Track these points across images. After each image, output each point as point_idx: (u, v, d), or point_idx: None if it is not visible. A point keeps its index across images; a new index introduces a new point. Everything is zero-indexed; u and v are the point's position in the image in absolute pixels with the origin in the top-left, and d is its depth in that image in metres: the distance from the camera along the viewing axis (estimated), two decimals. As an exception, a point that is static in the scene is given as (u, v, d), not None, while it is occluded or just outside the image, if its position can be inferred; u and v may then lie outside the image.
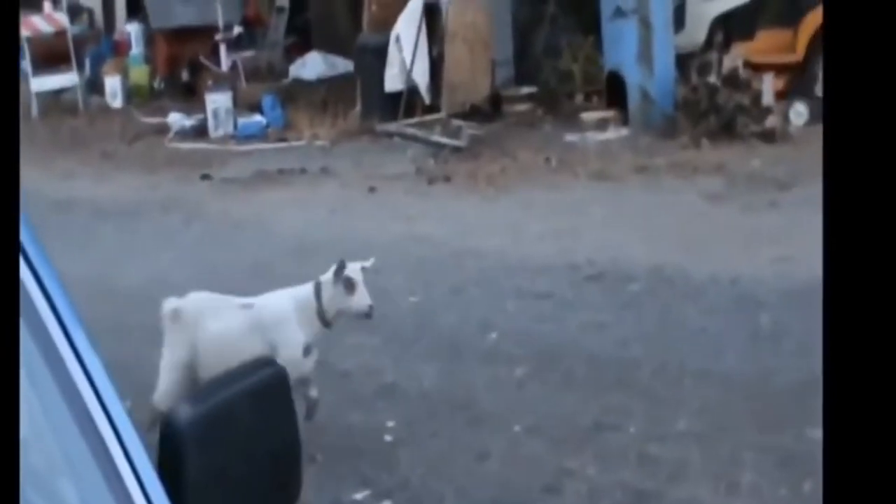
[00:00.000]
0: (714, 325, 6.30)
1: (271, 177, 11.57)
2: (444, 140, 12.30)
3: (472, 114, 13.27)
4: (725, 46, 12.14)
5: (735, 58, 11.49)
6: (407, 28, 13.46)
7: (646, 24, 11.77)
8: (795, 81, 11.87)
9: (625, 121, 12.15)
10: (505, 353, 6.03)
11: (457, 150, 12.17)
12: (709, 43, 12.39)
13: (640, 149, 11.29)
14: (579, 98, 13.49)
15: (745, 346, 5.91)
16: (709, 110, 11.20)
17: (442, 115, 13.24)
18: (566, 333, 6.32)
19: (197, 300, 4.87)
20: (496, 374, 5.76)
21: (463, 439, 5.05)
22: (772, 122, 11.02)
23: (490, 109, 13.47)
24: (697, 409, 5.14)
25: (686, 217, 8.88)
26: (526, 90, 13.74)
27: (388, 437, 5.09)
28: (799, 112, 11.35)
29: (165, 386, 4.73)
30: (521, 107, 13.61)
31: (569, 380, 5.62)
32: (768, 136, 10.92)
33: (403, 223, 9.11)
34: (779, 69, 11.90)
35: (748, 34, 12.31)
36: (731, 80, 11.21)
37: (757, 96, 11.19)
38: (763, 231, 8.26)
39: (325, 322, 4.81)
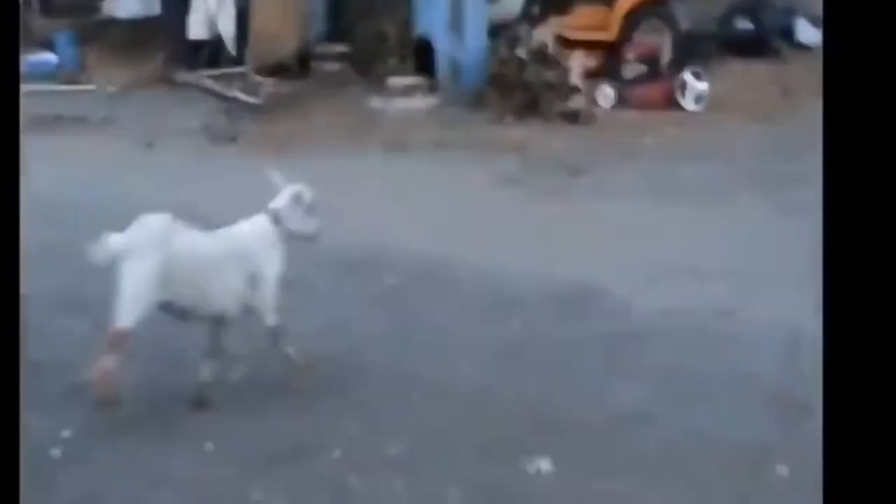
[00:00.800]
0: (464, 329, 5.86)
1: (45, 123, 10.69)
2: (241, 96, 11.61)
3: (279, 70, 12.60)
4: (541, 19, 11.76)
5: (546, 32, 11.08)
6: (213, -26, 12.69)
7: (458, -9, 11.29)
8: (607, 61, 11.54)
9: (434, 89, 11.66)
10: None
11: (254, 107, 11.50)
12: (525, 15, 12.00)
13: (443, 121, 10.83)
14: (393, 61, 12.90)
15: (488, 358, 5.48)
16: (516, 86, 10.78)
17: (245, 68, 12.52)
18: (305, 328, 5.78)
19: (167, 221, 4.60)
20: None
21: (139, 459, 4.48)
22: (577, 102, 10.66)
23: (298, 66, 12.81)
24: (416, 429, 4.67)
25: (472, 201, 8.42)
26: (338, 49, 13.08)
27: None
28: (606, 94, 11.02)
29: (136, 304, 4.39)
30: (332, 66, 12.97)
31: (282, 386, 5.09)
32: (573, 117, 10.57)
33: (173, 188, 8.40)
34: (592, 47, 11.57)
35: (565, 8, 11.93)
36: (540, 56, 10.81)
37: (565, 74, 10.81)
38: (544, 223, 7.88)
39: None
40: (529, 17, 11.83)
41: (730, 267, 6.75)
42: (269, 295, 4.78)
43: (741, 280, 6.53)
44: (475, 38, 11.37)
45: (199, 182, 8.64)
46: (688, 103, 10.91)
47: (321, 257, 6.87)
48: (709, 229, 7.52)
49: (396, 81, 11.72)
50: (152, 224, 4.52)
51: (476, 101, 11.05)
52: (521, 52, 10.84)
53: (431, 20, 11.63)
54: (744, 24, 12.96)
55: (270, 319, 4.79)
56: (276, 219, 4.84)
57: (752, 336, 5.73)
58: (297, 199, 4.87)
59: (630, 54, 11.36)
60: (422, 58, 11.90)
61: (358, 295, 6.31)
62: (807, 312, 5.99)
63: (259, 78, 12.12)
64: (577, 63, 10.92)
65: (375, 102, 11.46)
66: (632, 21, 11.70)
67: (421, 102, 11.38)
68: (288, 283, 4.91)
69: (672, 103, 10.89)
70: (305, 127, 10.70)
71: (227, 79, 12.28)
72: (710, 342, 5.72)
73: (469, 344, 5.64)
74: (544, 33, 11.23)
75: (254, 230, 4.84)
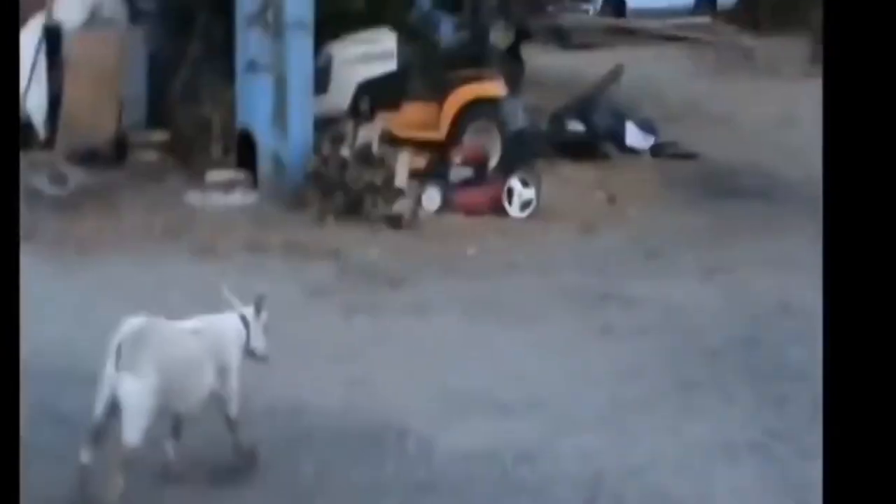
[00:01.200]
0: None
1: None
2: (44, 187, 10.88)
3: (93, 157, 11.88)
4: (370, 115, 11.41)
5: (372, 130, 10.71)
6: (24, 52, 11.94)
7: (281, 83, 10.83)
8: (435, 162, 11.22)
9: (254, 185, 11.13)
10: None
11: (58, 200, 10.79)
12: (353, 110, 11.63)
13: (261, 220, 10.30)
14: (216, 151, 12.28)
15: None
16: (337, 186, 10.35)
17: (54, 154, 11.78)
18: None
19: (154, 325, 4.82)
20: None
21: None
22: (401, 206, 10.28)
23: (113, 154, 12.10)
24: None
25: (279, 315, 7.86)
26: (158, 136, 12.42)
27: None
28: (431, 197, 10.67)
29: (143, 420, 4.63)
30: (150, 155, 12.30)
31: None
32: (395, 221, 10.17)
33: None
34: (421, 146, 11.26)
35: (394, 104, 11.61)
36: (364, 156, 10.42)
37: (390, 175, 10.43)
38: (352, 342, 7.43)
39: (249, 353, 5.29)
40: (357, 113, 11.45)
41: (536, 399, 6.43)
42: (234, 387, 5.13)
43: (546, 416, 6.22)
44: (299, 133, 10.91)
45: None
46: (513, 210, 10.66)
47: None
48: (519, 354, 7.20)
49: (216, 175, 11.16)
50: (142, 333, 4.69)
51: (297, 200, 10.57)
52: (345, 151, 10.42)
53: (254, 110, 11.14)
54: (575, 126, 12.86)
55: (233, 410, 5.16)
56: (245, 321, 5.25)
57: (551, 488, 5.38)
58: (258, 311, 5.31)
59: (457, 157, 11.07)
60: (244, 151, 11.37)
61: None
62: (610, 455, 5.72)
63: (67, 167, 11.40)
64: (404, 164, 10.55)
65: (192, 197, 10.87)
66: (461, 121, 11.45)
67: (239, 199, 10.85)
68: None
69: (498, 209, 10.62)
70: (114, 224, 10.05)
71: (33, 166, 11.51)
72: (510, 493, 5.36)
73: (251, 489, 5.17)
74: (371, 130, 10.86)
75: (225, 325, 5.18)
